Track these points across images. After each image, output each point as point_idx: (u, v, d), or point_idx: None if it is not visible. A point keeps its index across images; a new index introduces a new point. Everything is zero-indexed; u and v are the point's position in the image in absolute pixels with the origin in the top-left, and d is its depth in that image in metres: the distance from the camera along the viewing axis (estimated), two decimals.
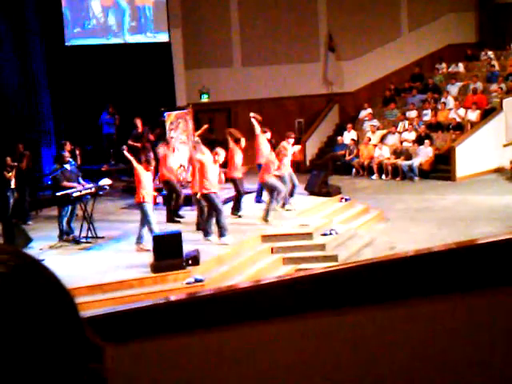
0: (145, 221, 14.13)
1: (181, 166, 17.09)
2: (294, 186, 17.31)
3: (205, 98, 24.87)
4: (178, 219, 16.17)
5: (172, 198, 16.42)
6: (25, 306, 0.93)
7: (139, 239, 14.20)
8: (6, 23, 20.05)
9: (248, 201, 17.26)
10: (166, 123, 18.95)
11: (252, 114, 18.02)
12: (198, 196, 14.86)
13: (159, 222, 14.77)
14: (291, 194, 17.23)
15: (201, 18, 24.80)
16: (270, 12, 25.76)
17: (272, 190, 16.08)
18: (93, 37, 22.24)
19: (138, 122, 19.95)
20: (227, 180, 16.63)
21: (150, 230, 14.00)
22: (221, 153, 14.88)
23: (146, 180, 14.37)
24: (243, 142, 16.55)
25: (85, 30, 22.09)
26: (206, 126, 20.29)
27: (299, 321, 1.79)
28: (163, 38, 23.05)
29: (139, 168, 14.39)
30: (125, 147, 15.81)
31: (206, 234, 14.61)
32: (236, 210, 16.51)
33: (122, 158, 20.83)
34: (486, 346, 1.74)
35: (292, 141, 17.60)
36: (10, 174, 16.36)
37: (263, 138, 17.73)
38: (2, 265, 0.94)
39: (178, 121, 19.30)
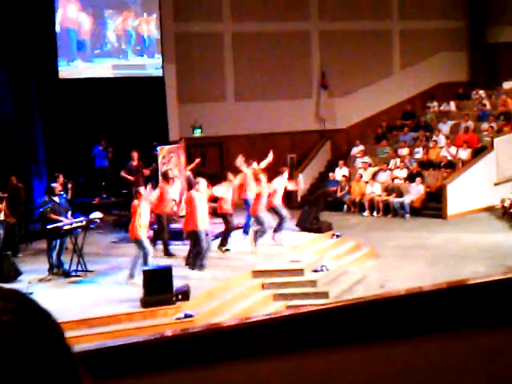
0: (143, 253, 14.11)
1: (173, 200, 17.02)
2: (282, 220, 17.21)
3: (197, 133, 24.93)
4: (172, 254, 16.05)
5: (161, 233, 16.33)
6: (26, 357, 0.93)
7: (132, 274, 14.12)
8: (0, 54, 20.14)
9: (238, 236, 17.22)
10: (159, 157, 18.96)
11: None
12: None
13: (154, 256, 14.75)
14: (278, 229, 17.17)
15: (194, 53, 24.95)
16: (264, 48, 25.95)
17: (260, 224, 16.16)
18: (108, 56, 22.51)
19: (135, 155, 19.89)
20: (218, 215, 16.62)
21: (145, 262, 14.00)
22: (202, 182, 14.94)
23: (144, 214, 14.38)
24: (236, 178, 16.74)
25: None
26: (198, 160, 20.31)
27: (289, 359, 1.78)
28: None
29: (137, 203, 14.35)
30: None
31: (200, 268, 14.60)
32: (222, 244, 16.42)
33: (114, 192, 20.83)
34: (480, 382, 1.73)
35: (286, 175, 17.57)
36: (0, 205, 16.27)
37: (250, 173, 17.63)
38: (8, 313, 0.95)
39: (170, 155, 19.31)
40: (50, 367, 0.95)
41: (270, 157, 18.15)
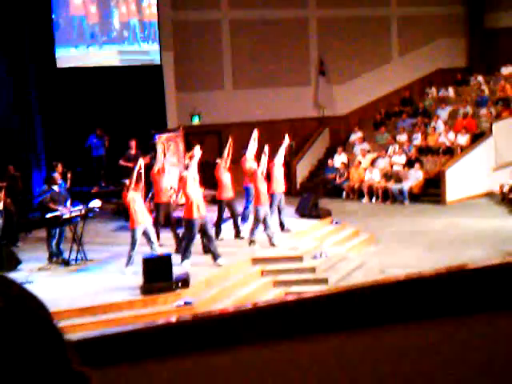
0: (131, 241, 14.15)
1: (171, 188, 16.99)
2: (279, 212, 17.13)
3: (196, 121, 24.90)
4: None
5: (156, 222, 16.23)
6: (13, 338, 0.94)
7: (129, 262, 14.15)
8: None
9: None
10: (157, 145, 18.94)
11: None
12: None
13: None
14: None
15: (192, 41, 24.90)
16: (262, 36, 25.90)
17: (256, 217, 15.91)
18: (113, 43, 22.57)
19: (133, 144, 19.89)
20: (216, 201, 16.61)
21: (130, 255, 14.03)
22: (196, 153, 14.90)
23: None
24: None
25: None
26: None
27: (288, 346, 1.78)
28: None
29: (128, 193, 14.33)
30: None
31: (216, 257, 14.56)
32: (216, 233, 16.32)
33: (113, 180, 20.81)
34: (479, 371, 1.74)
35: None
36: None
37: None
38: None
39: (168, 143, 19.30)
40: (40, 349, 0.96)
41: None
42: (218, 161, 16.72)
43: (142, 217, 14.23)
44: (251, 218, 16.46)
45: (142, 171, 15.21)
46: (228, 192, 16.43)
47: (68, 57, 21.96)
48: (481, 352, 1.74)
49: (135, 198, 14.25)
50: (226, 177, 16.40)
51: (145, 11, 23.17)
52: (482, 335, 1.75)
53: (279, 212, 17.07)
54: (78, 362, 1.01)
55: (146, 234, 14.22)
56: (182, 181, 14.77)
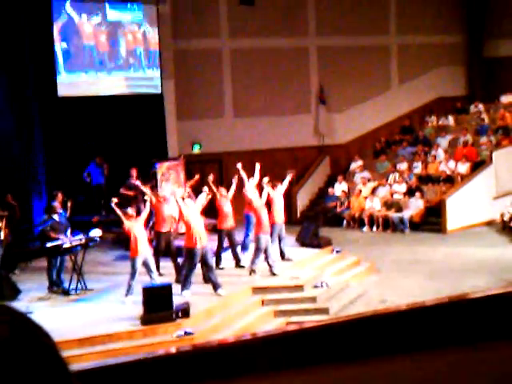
0: (131, 271, 14.13)
1: (172, 217, 16.93)
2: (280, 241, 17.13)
3: (197, 149, 24.95)
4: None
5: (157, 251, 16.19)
6: (19, 366, 0.94)
7: (128, 291, 14.10)
8: (0, 73, 20.18)
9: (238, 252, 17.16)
10: (158, 174, 18.97)
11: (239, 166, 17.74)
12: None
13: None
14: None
15: (193, 70, 25.01)
16: (262, 64, 26.02)
17: (257, 246, 15.89)
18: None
19: (134, 172, 19.90)
20: (216, 231, 16.59)
21: (129, 285, 14.00)
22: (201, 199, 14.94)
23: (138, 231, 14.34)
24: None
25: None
26: (197, 177, 20.28)
27: (288, 377, 1.77)
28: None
29: (128, 223, 14.33)
30: (114, 200, 15.46)
31: (216, 287, 14.51)
32: (216, 263, 16.23)
33: (113, 209, 20.76)
34: None
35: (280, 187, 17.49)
36: (0, 224, 16.25)
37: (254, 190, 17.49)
38: (2, 325, 0.96)
39: (169, 172, 19.33)
40: (45, 377, 0.96)
41: (257, 169, 17.93)
42: (222, 190, 16.74)
43: (142, 246, 14.21)
44: (252, 246, 16.44)
45: (148, 199, 15.27)
46: (228, 221, 16.43)
47: (76, 82, 22.05)
48: (485, 379, 1.73)
49: (135, 227, 14.24)
50: (227, 206, 16.42)
51: (150, 40, 23.33)
52: (485, 364, 1.74)
53: (279, 241, 17.07)
54: None
55: (145, 263, 14.19)
56: (180, 210, 14.76)
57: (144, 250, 14.22)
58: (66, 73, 21.75)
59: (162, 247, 16.13)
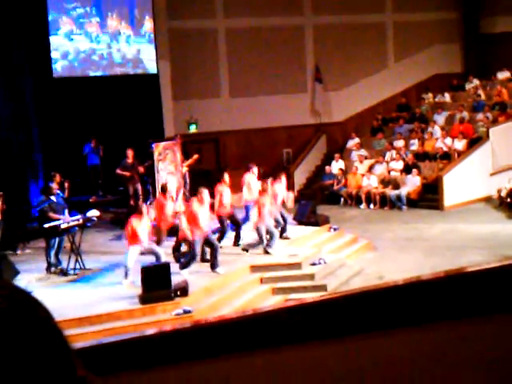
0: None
1: (176, 212, 16.62)
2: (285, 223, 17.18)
3: (193, 129, 24.92)
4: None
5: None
6: (19, 340, 0.95)
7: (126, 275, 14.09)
8: None
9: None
10: (154, 154, 18.94)
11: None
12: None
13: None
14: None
15: (189, 50, 24.92)
16: (258, 43, 25.94)
17: (258, 235, 16.02)
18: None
19: (130, 153, 19.82)
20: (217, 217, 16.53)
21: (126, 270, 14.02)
22: (205, 193, 14.82)
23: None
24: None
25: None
26: (196, 157, 20.25)
27: (287, 352, 1.78)
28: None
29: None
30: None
31: (215, 266, 14.56)
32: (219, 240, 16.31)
33: (110, 190, 20.76)
34: (476, 374, 1.74)
35: (284, 180, 17.52)
36: None
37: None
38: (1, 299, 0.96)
39: (165, 152, 19.28)
40: (45, 352, 0.96)
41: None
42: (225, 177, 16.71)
43: (141, 238, 14.17)
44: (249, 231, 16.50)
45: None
46: (226, 208, 16.39)
47: (67, 66, 21.99)
48: (481, 353, 1.75)
49: (139, 221, 14.23)
50: (226, 195, 16.39)
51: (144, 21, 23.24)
52: (482, 337, 1.76)
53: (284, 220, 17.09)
54: (81, 367, 1.01)
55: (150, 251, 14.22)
56: (192, 212, 14.73)
57: (142, 242, 14.20)
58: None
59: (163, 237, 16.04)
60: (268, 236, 15.94)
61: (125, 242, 14.71)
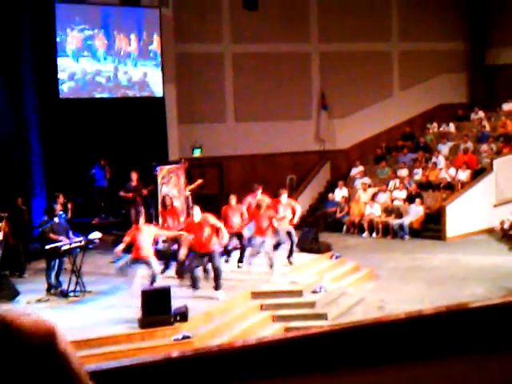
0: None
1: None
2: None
3: (197, 153, 24.96)
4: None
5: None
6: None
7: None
8: (0, 74, 20.17)
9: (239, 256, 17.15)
10: (158, 177, 18.94)
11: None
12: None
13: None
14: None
15: (195, 74, 25.04)
16: (264, 69, 26.05)
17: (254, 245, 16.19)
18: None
19: (134, 176, 19.83)
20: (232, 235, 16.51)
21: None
22: (196, 209, 14.87)
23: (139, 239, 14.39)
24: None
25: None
26: (200, 181, 20.23)
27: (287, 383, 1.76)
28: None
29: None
30: None
31: (218, 287, 14.62)
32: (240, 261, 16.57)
33: (113, 212, 20.76)
34: None
35: (285, 197, 17.48)
36: (0, 224, 16.23)
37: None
38: None
39: (169, 175, 19.29)
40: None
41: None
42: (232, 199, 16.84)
43: (143, 253, 14.26)
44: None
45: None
46: (234, 229, 16.47)
47: (73, 87, 22.08)
48: None
49: (142, 234, 14.32)
50: (235, 217, 16.54)
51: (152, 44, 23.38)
52: (482, 373, 1.74)
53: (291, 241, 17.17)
54: None
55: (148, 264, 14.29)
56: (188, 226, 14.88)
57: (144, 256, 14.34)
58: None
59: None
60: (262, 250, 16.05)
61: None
